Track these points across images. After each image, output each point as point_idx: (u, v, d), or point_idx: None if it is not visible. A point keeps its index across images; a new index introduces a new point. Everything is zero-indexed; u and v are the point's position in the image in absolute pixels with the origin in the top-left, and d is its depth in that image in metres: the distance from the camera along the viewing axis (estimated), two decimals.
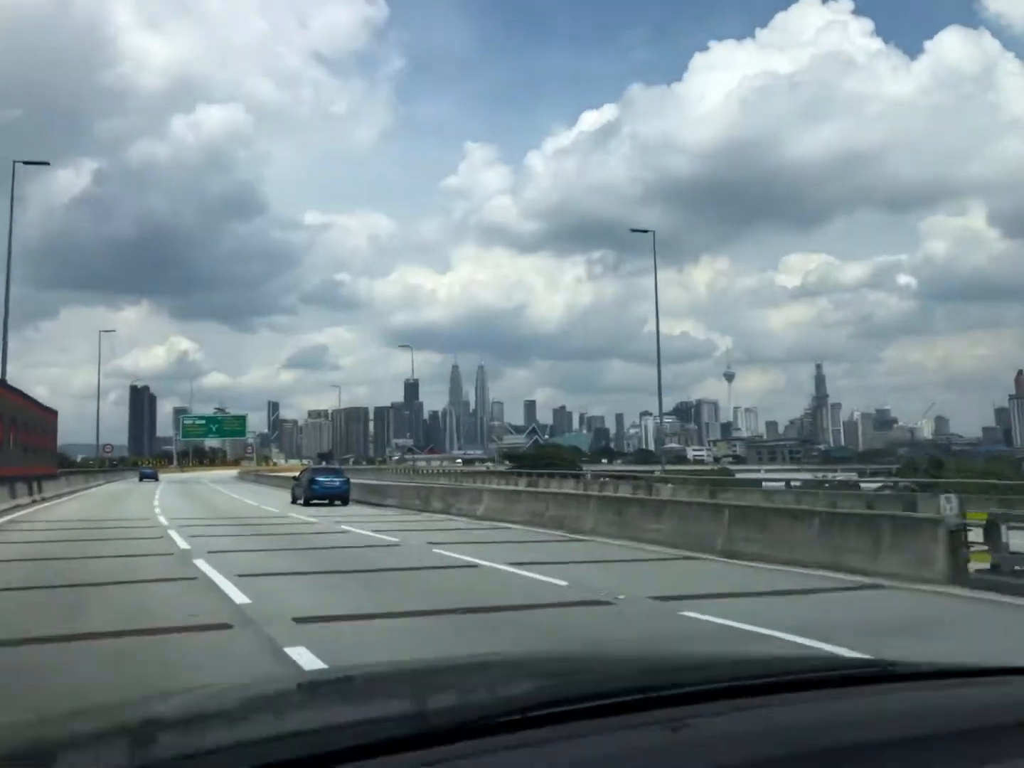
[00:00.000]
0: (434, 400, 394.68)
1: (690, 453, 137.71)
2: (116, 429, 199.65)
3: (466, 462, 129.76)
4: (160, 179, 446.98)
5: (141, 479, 62.85)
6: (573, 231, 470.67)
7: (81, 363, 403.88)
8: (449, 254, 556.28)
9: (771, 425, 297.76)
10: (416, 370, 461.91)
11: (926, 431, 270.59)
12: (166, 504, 26.04)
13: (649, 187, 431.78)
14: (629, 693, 1.14)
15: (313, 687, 1.55)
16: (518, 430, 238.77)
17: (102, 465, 71.11)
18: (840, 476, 46.40)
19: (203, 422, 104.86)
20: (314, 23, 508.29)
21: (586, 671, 1.53)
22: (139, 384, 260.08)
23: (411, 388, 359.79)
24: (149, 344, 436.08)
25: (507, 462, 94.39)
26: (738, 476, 60.56)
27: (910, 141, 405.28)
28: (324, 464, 55.95)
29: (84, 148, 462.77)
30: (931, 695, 1.29)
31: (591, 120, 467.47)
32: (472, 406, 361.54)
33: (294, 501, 26.92)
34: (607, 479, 40.00)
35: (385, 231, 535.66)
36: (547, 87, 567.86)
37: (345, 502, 25.83)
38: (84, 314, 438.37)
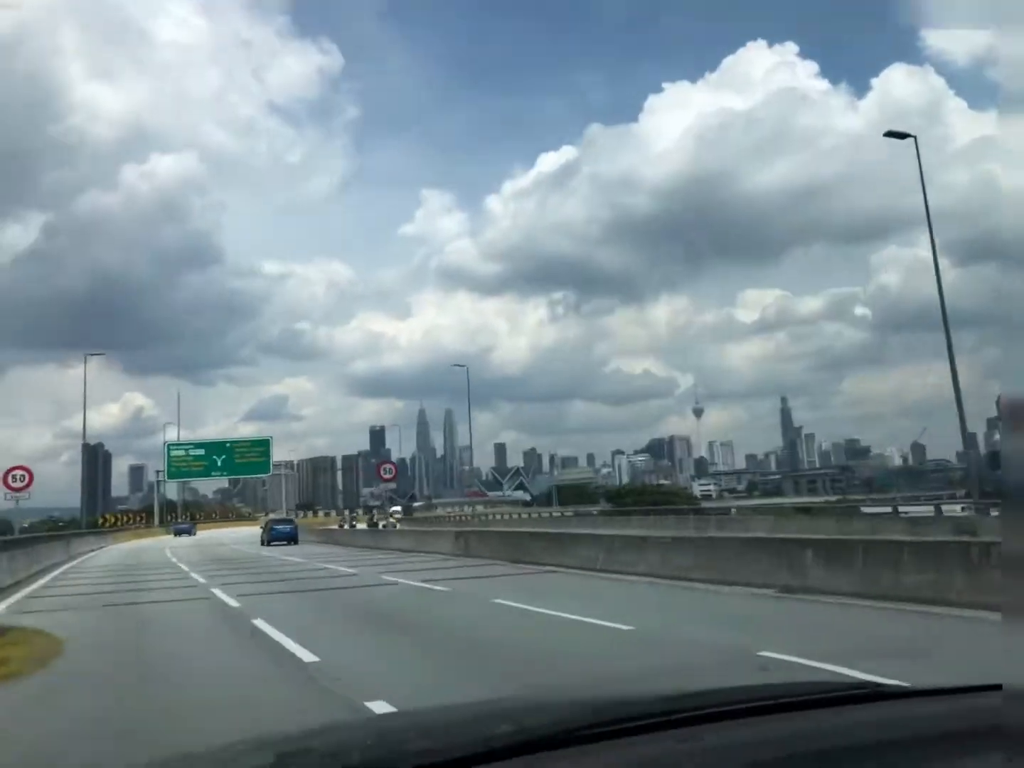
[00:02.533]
0: (399, 447, 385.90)
1: (696, 488, 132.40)
2: (65, 492, 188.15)
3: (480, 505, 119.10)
4: (112, 230, 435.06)
5: (177, 535, 57.42)
6: (535, 272, 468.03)
7: (30, 425, 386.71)
8: (410, 300, 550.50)
9: (750, 458, 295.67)
10: (380, 417, 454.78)
11: (896, 457, 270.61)
12: None
13: (609, 226, 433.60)
14: (642, 718, 1.34)
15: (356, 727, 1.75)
16: (500, 473, 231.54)
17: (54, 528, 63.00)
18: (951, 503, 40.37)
19: (200, 452, 69.70)
20: (268, 73, 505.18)
21: (607, 700, 1.69)
22: (92, 442, 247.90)
23: (377, 435, 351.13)
24: (102, 401, 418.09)
25: (602, 504, 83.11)
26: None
27: (861, 174, 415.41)
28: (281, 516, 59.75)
29: (30, 201, 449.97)
30: (914, 711, 1.46)
31: (550, 161, 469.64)
32: (440, 452, 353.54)
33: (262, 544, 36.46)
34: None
35: (344, 279, 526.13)
36: (503, 132, 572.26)
37: (295, 542, 36.50)
38: (32, 374, 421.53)
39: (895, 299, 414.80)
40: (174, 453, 70.16)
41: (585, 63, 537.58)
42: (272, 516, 52.14)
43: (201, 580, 17.07)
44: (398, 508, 73.71)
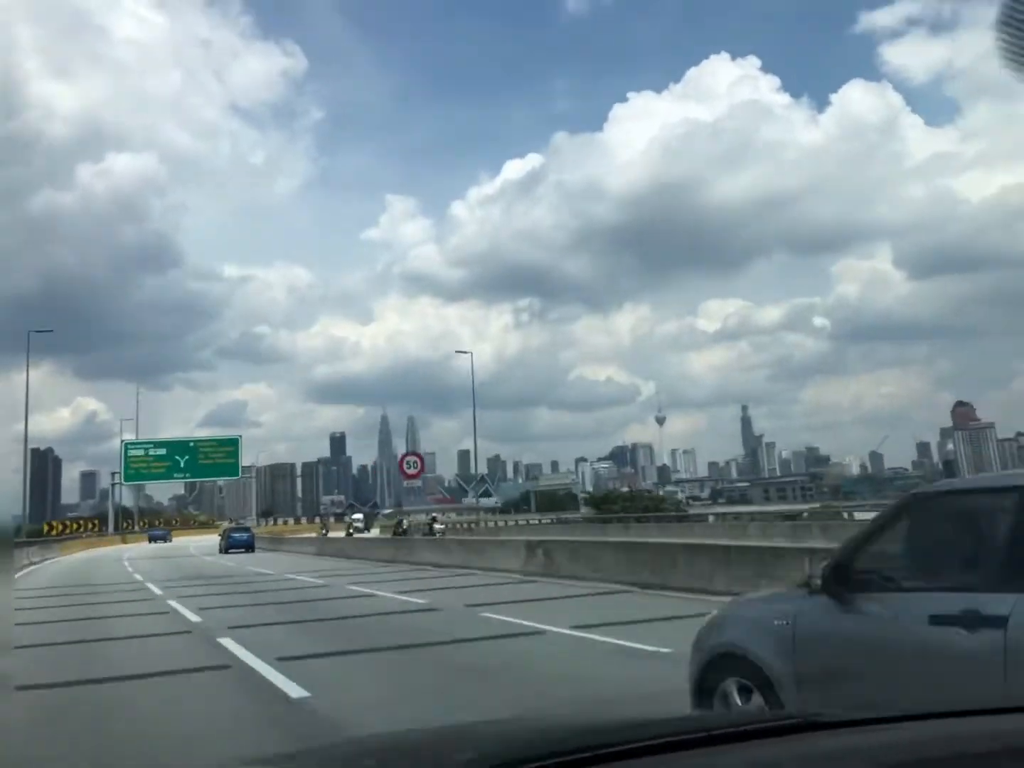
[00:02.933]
0: (361, 454, 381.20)
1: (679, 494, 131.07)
2: (13, 500, 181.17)
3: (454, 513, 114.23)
4: (67, 230, 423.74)
5: (151, 541, 57.98)
6: (500, 279, 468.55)
7: None
8: (372, 305, 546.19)
9: (712, 466, 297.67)
10: (340, 424, 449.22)
11: (855, 466, 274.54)
12: None
13: (574, 234, 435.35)
14: (571, 752, 1.28)
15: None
16: (465, 480, 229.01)
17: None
18: None
19: (162, 452, 63.14)
20: (230, 74, 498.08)
21: (525, 732, 1.68)
22: (42, 447, 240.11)
23: (338, 442, 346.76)
24: (52, 406, 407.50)
25: (584, 510, 79.45)
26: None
27: (822, 187, 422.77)
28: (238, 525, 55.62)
29: None
30: (847, 741, 1.47)
31: (515, 168, 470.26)
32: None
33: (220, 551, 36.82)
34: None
35: (306, 283, 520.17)
36: (469, 138, 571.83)
37: (251, 550, 36.37)
38: None
39: (853, 310, 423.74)
40: (132, 453, 62.98)
41: (551, 71, 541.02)
42: (229, 525, 52.18)
43: (187, 613, 12.26)
44: (359, 516, 70.61)
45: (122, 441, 67.12)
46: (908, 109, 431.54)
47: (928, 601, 3.13)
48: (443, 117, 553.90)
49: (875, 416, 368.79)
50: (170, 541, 54.98)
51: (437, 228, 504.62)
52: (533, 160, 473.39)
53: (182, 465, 62.72)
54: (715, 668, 3.84)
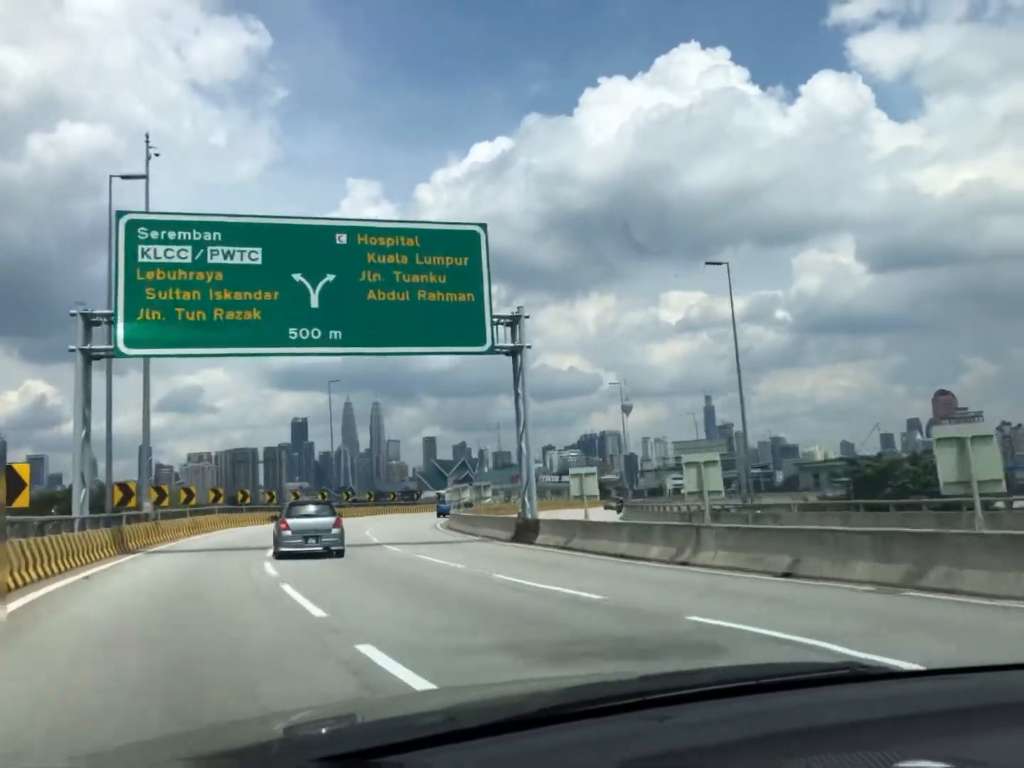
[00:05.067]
0: (322, 442, 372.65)
1: (670, 483, 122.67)
2: None
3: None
4: (15, 203, 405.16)
5: (440, 515, 55.08)
6: None
7: None
8: None
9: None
10: (301, 410, 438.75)
11: (819, 455, 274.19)
12: None
13: (544, 219, 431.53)
14: (628, 697, 1.43)
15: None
16: (445, 466, 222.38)
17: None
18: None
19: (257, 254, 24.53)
20: (191, 48, 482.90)
21: (598, 683, 1.75)
22: None
23: (299, 428, 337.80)
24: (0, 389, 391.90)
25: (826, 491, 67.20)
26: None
27: (790, 178, 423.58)
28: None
29: None
30: (889, 691, 1.55)
31: (484, 151, 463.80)
32: (366, 446, 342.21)
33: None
34: None
35: None
36: (436, 121, 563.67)
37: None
38: None
39: (813, 303, 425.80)
40: (146, 252, 23.88)
41: (521, 54, 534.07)
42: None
43: None
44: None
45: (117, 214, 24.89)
46: (875, 102, 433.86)
47: None
48: (410, 99, 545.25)
49: (830, 408, 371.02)
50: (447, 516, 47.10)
51: (402, 213, 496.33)
52: (502, 143, 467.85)
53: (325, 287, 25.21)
54: None
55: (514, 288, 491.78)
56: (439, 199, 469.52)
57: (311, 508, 21.42)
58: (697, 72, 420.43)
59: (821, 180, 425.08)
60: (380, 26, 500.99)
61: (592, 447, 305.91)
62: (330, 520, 19.96)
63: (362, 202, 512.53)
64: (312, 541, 19.28)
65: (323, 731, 1.53)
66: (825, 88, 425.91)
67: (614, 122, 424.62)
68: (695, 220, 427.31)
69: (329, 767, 1.16)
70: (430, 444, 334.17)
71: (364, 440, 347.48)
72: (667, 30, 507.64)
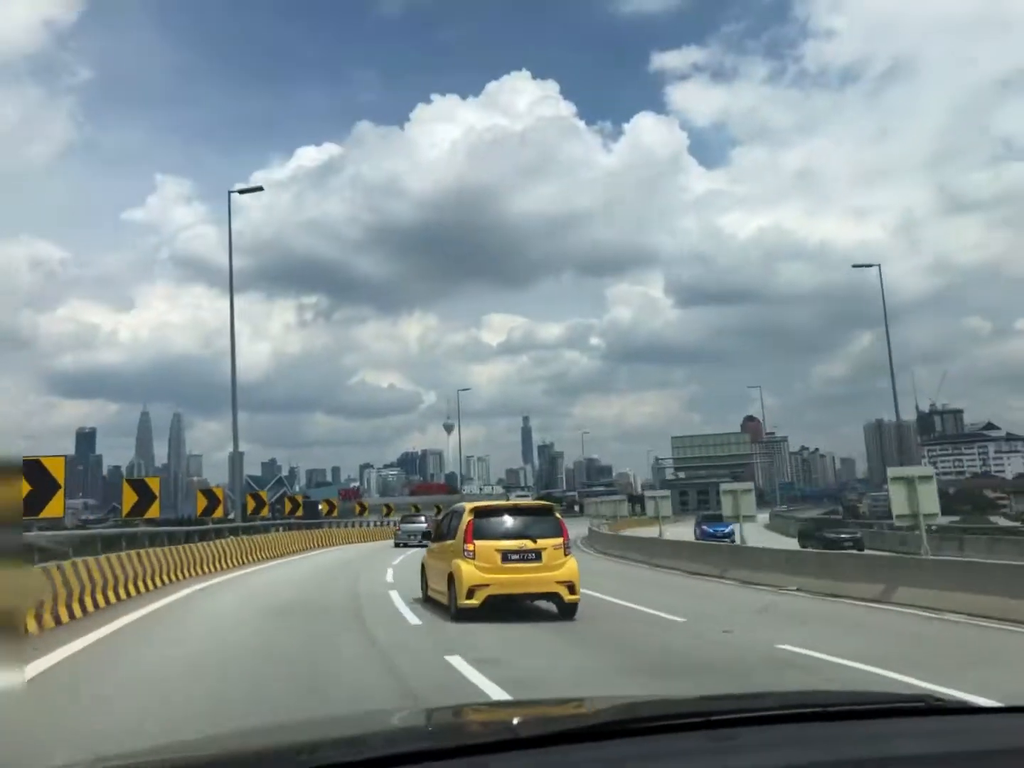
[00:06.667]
0: (113, 455, 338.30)
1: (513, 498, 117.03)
2: None
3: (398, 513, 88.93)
4: None
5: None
6: (285, 272, 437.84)
7: None
8: (133, 292, 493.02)
9: (512, 473, 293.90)
10: (89, 421, 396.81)
11: (634, 477, 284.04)
12: None
13: (369, 231, 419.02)
14: (689, 716, 1.42)
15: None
16: (258, 483, 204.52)
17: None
18: None
19: None
20: None
21: (659, 700, 1.80)
22: None
23: (86, 439, 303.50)
24: None
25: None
26: None
27: (610, 211, 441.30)
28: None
29: None
30: (966, 725, 1.46)
31: (310, 156, 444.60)
32: (163, 460, 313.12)
33: None
34: None
35: (55, 260, 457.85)
36: (258, 123, 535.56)
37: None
38: None
39: (624, 332, 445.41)
40: None
41: (354, 61, 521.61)
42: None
43: None
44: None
45: None
46: (688, 146, 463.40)
47: None
48: (229, 95, 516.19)
49: (634, 432, 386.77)
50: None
51: (216, 213, 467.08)
52: (330, 149, 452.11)
53: None
54: None
55: (335, 300, 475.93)
56: (258, 200, 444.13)
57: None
58: (528, 100, 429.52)
59: (638, 215, 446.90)
60: (200, 17, 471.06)
61: (413, 466, 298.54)
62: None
63: (172, 200, 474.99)
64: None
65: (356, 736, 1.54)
66: (646, 126, 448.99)
67: (446, 138, 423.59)
68: (521, 243, 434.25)
69: None
70: (239, 459, 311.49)
71: (161, 454, 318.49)
72: (500, 57, 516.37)
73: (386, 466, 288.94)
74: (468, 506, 11.28)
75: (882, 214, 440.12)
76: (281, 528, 32.41)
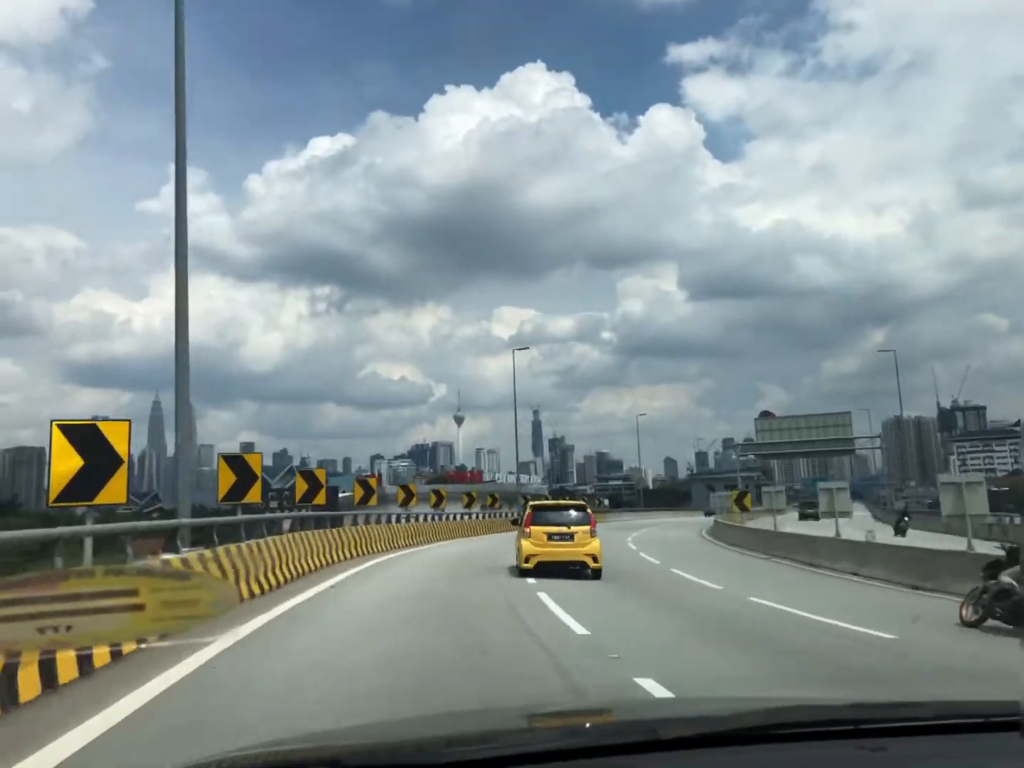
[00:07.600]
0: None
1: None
2: None
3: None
4: None
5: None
6: (299, 262, 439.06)
7: None
8: (148, 282, 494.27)
9: (523, 466, 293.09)
10: (103, 410, 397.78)
11: (648, 471, 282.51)
12: None
13: (383, 222, 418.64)
14: (837, 723, 1.37)
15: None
16: (270, 472, 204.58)
17: None
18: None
19: None
20: None
21: (806, 706, 1.71)
22: None
23: None
24: None
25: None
26: None
27: (624, 204, 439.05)
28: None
29: None
30: None
31: (324, 146, 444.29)
32: (174, 450, 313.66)
33: None
34: None
35: (70, 250, 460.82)
36: (272, 113, 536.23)
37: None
38: None
39: (636, 326, 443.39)
40: None
41: (367, 52, 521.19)
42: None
43: None
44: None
45: None
46: (704, 138, 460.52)
47: None
48: (243, 85, 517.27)
49: (645, 427, 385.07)
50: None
51: (229, 203, 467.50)
52: (344, 140, 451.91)
53: None
54: None
55: (348, 291, 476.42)
56: (271, 191, 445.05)
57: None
58: (543, 92, 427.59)
59: (652, 207, 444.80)
60: (214, 7, 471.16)
61: (423, 457, 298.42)
62: None
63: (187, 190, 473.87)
64: None
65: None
66: (662, 119, 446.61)
67: (460, 129, 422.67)
68: (534, 235, 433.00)
69: None
70: (248, 449, 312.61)
71: (172, 444, 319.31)
72: (514, 49, 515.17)
73: (397, 457, 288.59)
74: (530, 503, 17.00)
75: (899, 208, 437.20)
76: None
